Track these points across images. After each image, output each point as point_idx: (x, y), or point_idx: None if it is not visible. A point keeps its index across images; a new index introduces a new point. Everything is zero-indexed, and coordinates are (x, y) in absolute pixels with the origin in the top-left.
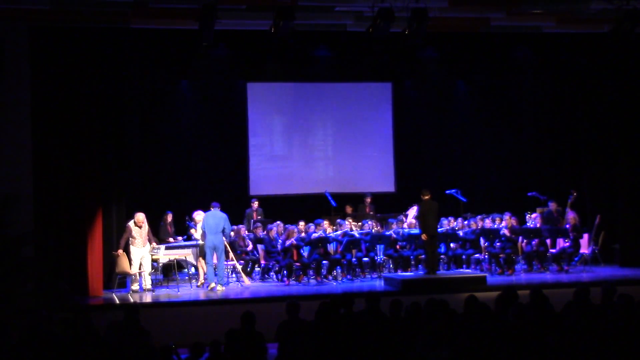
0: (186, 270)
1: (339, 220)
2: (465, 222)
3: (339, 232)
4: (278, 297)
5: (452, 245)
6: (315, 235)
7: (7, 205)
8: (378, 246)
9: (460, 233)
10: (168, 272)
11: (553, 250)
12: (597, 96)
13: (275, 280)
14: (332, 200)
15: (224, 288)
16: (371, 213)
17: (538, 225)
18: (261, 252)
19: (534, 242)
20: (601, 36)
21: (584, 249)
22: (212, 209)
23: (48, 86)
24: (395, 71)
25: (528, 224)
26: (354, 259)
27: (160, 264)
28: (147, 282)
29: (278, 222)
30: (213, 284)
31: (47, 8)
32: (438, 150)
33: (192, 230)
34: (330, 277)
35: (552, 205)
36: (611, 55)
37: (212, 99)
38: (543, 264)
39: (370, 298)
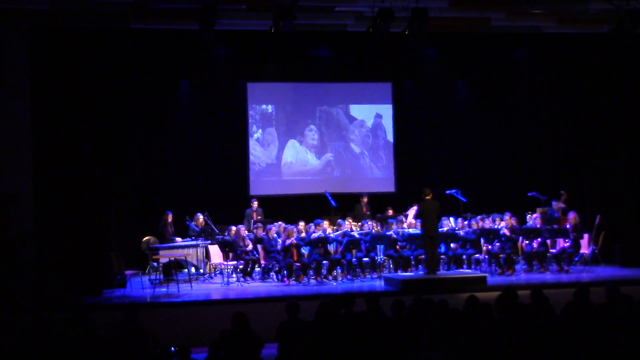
0: (186, 270)
1: (339, 221)
2: (466, 222)
3: (338, 232)
4: (278, 297)
5: (452, 245)
6: (315, 235)
7: (7, 205)
8: (378, 246)
9: (461, 233)
10: (168, 272)
11: (553, 250)
12: (596, 96)
13: (275, 280)
14: (332, 200)
15: None
16: (367, 213)
17: (538, 225)
18: (261, 252)
19: (534, 242)
20: (601, 36)
21: (584, 249)
22: None
23: (48, 86)
24: (395, 71)
25: (528, 224)
26: (354, 259)
27: (160, 264)
28: None
29: (279, 222)
30: None
31: (47, 8)
32: (438, 150)
33: None
34: (330, 277)
35: (554, 205)
36: (611, 55)
37: (212, 99)
38: (543, 264)
39: (370, 298)
